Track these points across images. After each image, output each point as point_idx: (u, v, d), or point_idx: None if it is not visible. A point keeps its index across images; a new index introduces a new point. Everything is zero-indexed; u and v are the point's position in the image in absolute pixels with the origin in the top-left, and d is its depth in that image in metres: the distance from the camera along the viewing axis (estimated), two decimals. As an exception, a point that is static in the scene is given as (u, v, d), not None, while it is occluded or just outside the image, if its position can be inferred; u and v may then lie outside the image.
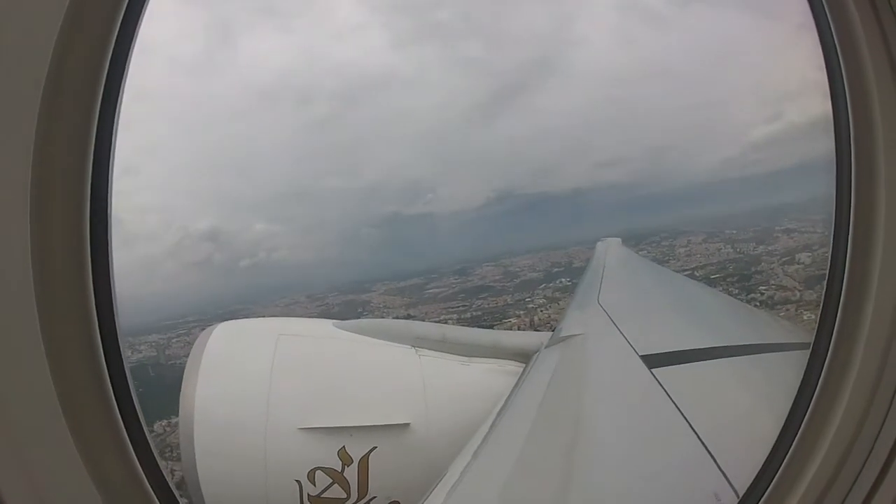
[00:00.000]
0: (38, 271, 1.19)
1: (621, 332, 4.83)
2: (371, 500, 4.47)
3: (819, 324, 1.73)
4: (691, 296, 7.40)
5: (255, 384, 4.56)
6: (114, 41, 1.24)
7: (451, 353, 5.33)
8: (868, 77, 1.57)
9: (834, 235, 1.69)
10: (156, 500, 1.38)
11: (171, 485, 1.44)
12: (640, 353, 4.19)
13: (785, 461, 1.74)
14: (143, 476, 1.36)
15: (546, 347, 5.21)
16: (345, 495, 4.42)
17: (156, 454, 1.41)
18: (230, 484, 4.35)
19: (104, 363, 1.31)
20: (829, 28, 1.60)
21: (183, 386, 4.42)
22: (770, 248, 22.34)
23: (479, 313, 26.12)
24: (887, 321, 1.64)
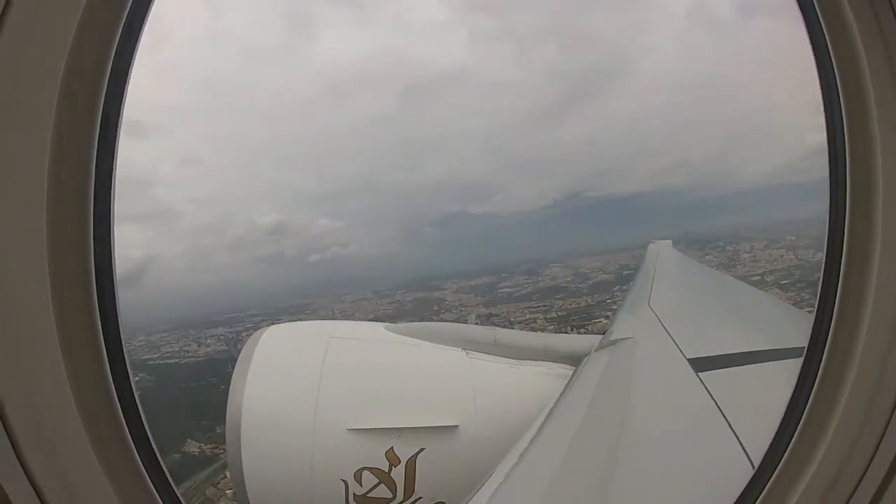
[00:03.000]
0: (53, 273, 1.27)
1: (671, 336, 4.72)
2: (417, 500, 4.50)
3: (815, 322, 1.68)
4: (740, 298, 7.15)
5: (304, 385, 4.64)
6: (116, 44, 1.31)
7: (501, 356, 5.32)
8: (865, 77, 1.50)
9: (829, 236, 1.63)
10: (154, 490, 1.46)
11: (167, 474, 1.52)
12: (688, 357, 4.09)
13: (781, 463, 1.69)
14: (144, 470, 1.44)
15: (596, 351, 5.14)
16: (391, 495, 4.46)
17: (156, 450, 1.49)
18: (275, 481, 4.43)
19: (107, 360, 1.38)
20: (821, 26, 1.54)
21: (231, 387, 4.53)
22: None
23: (564, 314, 26.03)
24: (887, 321, 1.57)
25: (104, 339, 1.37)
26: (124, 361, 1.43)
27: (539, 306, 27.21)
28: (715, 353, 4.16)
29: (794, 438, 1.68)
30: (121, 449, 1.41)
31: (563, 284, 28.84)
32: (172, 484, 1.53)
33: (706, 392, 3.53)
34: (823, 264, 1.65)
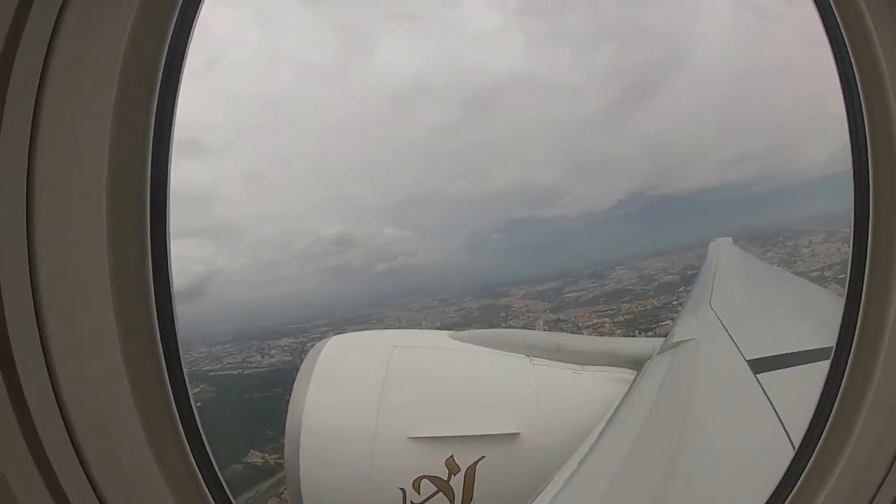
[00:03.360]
0: (113, 275, 1.34)
1: (731, 337, 4.59)
2: None
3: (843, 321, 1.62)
4: (802, 295, 6.87)
5: (366, 394, 4.70)
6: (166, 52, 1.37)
7: (565, 362, 5.27)
8: (883, 76, 1.44)
9: (854, 234, 1.57)
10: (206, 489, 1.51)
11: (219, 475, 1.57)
12: (747, 359, 3.98)
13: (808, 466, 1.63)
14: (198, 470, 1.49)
15: (658, 354, 5.04)
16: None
17: (210, 452, 1.54)
18: (332, 489, 4.49)
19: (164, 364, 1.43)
20: (839, 26, 1.49)
21: (292, 396, 4.63)
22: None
23: (631, 317, 25.58)
24: None
25: (161, 343, 1.42)
26: (180, 362, 1.47)
27: (606, 310, 26.76)
28: (774, 354, 4.03)
29: (822, 436, 1.63)
30: (175, 447, 1.46)
31: (629, 287, 28.29)
32: (223, 481, 1.58)
33: (764, 394, 3.43)
34: (850, 261, 1.60)
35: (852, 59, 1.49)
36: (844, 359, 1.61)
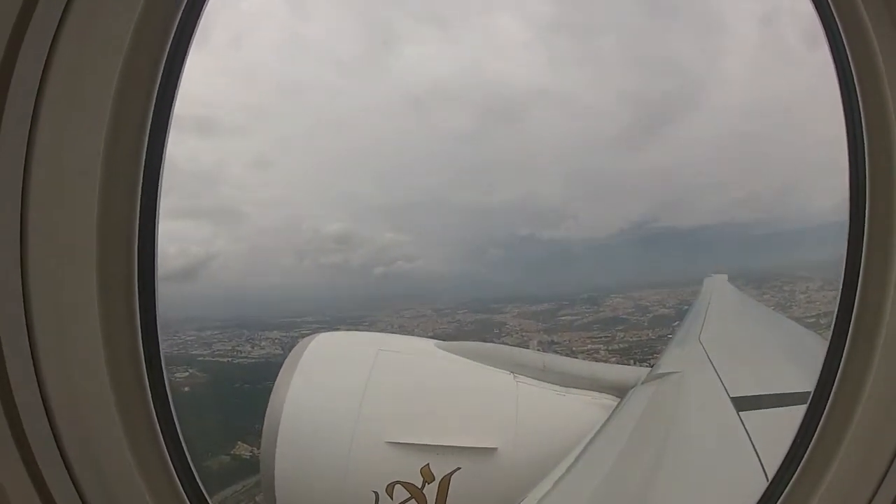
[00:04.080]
0: (100, 273, 1.36)
1: (717, 373, 4.60)
2: None
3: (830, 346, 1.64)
4: (793, 338, 6.88)
5: (348, 395, 4.69)
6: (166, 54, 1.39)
7: (549, 383, 5.27)
8: (884, 89, 1.46)
9: (849, 243, 1.60)
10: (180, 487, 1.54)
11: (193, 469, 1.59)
12: (732, 396, 3.99)
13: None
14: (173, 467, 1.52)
15: (642, 383, 5.04)
16: (419, 511, 4.45)
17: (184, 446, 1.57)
18: (306, 488, 4.48)
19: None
20: (841, 39, 1.51)
21: (274, 390, 4.63)
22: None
23: (626, 346, 25.48)
24: None
25: (143, 343, 1.45)
26: (160, 362, 1.50)
27: (601, 336, 26.65)
28: (759, 393, 4.04)
29: (804, 458, 1.64)
30: (152, 445, 1.48)
31: (624, 316, 28.17)
32: (199, 482, 1.61)
33: (745, 432, 3.44)
34: (841, 280, 1.62)
35: (850, 58, 1.51)
36: (825, 396, 1.62)
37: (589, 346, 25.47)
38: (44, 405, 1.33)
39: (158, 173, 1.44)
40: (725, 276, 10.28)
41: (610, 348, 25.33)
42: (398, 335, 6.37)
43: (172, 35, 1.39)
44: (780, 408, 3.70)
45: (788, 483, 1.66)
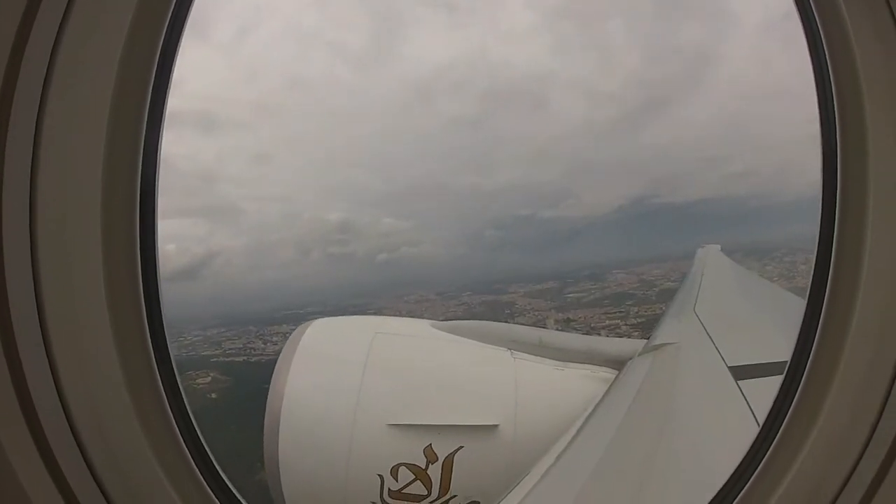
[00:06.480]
0: (106, 272, 1.38)
1: (713, 343, 4.61)
2: (451, 498, 4.51)
3: (803, 323, 1.65)
4: (783, 305, 6.87)
5: (347, 379, 4.70)
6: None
7: (547, 358, 5.29)
8: (857, 73, 1.45)
9: (821, 225, 1.58)
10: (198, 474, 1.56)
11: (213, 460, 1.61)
12: (729, 365, 3.99)
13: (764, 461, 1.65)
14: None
15: (639, 356, 5.06)
16: (426, 492, 4.48)
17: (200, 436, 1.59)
18: (310, 474, 4.52)
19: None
20: (815, 20, 1.49)
21: (273, 377, 4.63)
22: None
23: (643, 320, 25.53)
24: (874, 327, 1.52)
25: (152, 339, 1.47)
26: (169, 357, 1.52)
27: (616, 312, 26.76)
28: (756, 362, 4.04)
29: (774, 441, 1.64)
30: (171, 441, 1.51)
31: (631, 291, 28.31)
32: (224, 477, 1.64)
33: (744, 401, 3.44)
34: (814, 262, 1.60)
35: (826, 52, 1.50)
36: (804, 361, 1.63)
37: (607, 322, 25.55)
38: (61, 404, 1.35)
39: (156, 158, 1.45)
40: (718, 247, 10.25)
41: (628, 323, 25.40)
42: (395, 318, 6.37)
43: (166, 26, 1.40)
44: (780, 375, 3.72)
45: (758, 466, 1.69)
